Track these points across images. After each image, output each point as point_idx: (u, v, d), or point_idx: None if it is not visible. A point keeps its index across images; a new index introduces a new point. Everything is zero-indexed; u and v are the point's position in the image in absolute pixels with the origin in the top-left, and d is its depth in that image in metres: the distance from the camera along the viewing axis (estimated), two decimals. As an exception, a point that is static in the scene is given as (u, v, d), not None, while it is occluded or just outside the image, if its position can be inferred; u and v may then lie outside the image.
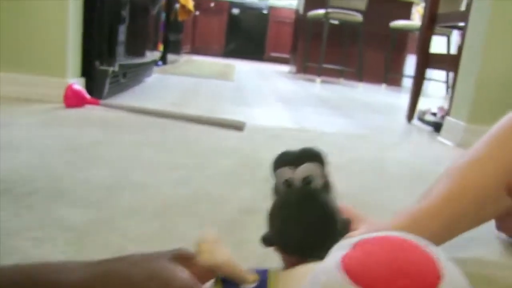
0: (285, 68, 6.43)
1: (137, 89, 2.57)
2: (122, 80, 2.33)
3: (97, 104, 1.77)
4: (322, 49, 4.42)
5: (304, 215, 0.51)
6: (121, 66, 2.21)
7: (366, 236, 0.36)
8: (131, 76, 2.53)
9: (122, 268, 0.38)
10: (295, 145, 1.65)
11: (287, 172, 0.54)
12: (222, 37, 8.19)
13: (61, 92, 1.74)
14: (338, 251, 0.35)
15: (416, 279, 0.32)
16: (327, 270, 0.33)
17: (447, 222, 0.73)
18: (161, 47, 3.10)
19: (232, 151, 1.32)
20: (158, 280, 0.37)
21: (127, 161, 1.12)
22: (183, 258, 0.41)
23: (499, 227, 0.79)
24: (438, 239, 0.73)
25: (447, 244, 0.79)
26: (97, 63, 2.00)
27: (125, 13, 2.11)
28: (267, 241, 0.54)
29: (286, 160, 0.55)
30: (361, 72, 4.74)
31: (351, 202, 1.01)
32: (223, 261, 0.39)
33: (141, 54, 2.67)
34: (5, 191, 0.83)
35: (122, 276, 0.37)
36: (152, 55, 2.99)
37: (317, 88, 4.03)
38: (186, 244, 0.70)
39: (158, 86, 2.90)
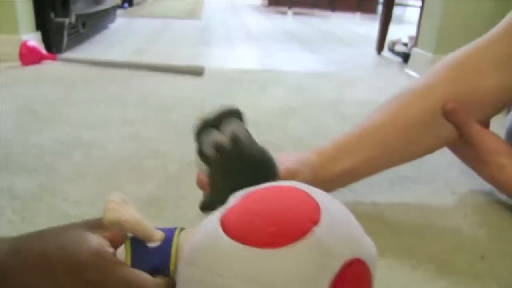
0: (258, 1, 6.30)
1: (100, 38, 2.54)
2: (82, 30, 2.29)
3: (54, 59, 1.76)
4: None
5: (249, 172, 0.52)
6: (79, 16, 2.17)
7: (248, 191, 0.40)
8: (92, 24, 2.49)
9: (36, 244, 0.41)
10: (253, 89, 1.65)
11: (213, 135, 0.54)
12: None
13: (16, 50, 1.71)
14: (218, 211, 0.38)
15: (286, 226, 0.36)
16: (208, 233, 0.37)
17: (375, 149, 0.74)
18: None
19: (187, 101, 1.34)
20: (68, 251, 0.40)
21: (79, 120, 1.14)
22: (98, 225, 0.44)
23: (453, 152, 0.82)
24: (367, 167, 0.75)
25: (389, 183, 0.83)
26: (51, 14, 1.96)
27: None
28: (208, 207, 0.55)
29: (208, 124, 0.55)
30: (333, 2, 4.67)
31: (301, 148, 1.05)
32: (127, 219, 0.41)
33: (102, 0, 2.61)
34: (-46, 162, 0.86)
35: (36, 253, 0.40)
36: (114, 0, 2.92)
37: (288, 21, 3.99)
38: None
39: (122, 32, 2.85)
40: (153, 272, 0.40)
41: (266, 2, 5.39)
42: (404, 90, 0.79)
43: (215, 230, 0.37)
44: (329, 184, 0.72)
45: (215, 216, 0.40)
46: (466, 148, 0.78)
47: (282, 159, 0.67)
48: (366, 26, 4.02)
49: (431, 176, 0.91)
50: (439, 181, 0.89)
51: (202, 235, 0.38)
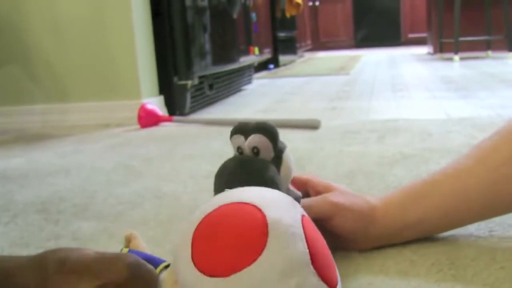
0: (424, 49, 6.29)
1: (231, 100, 2.79)
2: (209, 92, 2.55)
3: (171, 120, 2.00)
4: (456, 19, 4.28)
5: (239, 182, 0.60)
6: (204, 77, 2.44)
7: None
8: (221, 86, 2.75)
9: (49, 255, 0.53)
10: (371, 138, 1.74)
11: (239, 140, 0.66)
12: (349, 25, 8.23)
13: (136, 114, 2.00)
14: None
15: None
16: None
17: (452, 198, 0.72)
18: (256, 50, 3.30)
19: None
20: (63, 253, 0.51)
21: (167, 174, 1.29)
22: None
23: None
24: (443, 219, 0.73)
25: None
26: (174, 78, 2.24)
27: (197, 21, 2.33)
28: None
29: (240, 129, 0.67)
30: (511, 38, 4.47)
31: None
32: (136, 238, 0.63)
33: (230, 61, 2.88)
34: (41, 211, 1.06)
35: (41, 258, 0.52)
36: (246, 61, 3.20)
37: (451, 67, 3.92)
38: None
39: (257, 92, 3.09)
40: None
41: (432, 49, 5.37)
42: (501, 128, 0.77)
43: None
44: (396, 235, 0.73)
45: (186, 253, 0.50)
46: None
47: (334, 196, 0.72)
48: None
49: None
50: None
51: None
